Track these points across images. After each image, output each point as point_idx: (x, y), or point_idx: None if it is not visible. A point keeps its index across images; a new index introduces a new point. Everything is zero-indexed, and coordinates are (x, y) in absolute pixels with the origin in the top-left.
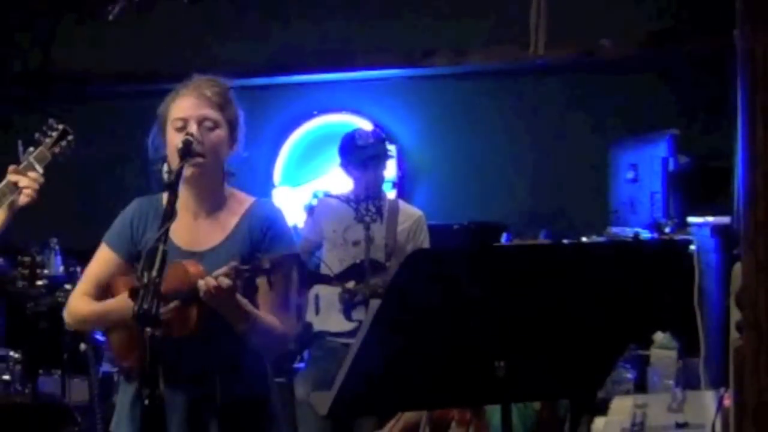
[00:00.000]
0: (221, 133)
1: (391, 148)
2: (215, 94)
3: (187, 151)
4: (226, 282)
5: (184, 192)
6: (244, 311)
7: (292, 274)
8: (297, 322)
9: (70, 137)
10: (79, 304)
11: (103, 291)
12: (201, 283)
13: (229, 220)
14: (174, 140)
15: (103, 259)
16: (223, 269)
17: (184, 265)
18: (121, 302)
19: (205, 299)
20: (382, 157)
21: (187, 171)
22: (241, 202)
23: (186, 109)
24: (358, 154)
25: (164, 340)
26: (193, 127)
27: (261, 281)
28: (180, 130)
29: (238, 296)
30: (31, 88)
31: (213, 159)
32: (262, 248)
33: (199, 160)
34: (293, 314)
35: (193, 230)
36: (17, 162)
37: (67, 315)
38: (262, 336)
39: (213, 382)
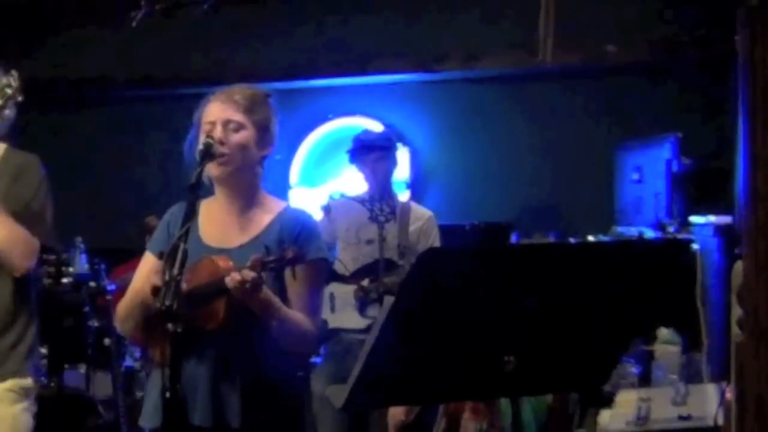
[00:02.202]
0: (246, 134)
1: (391, 138)
2: (244, 98)
3: (206, 154)
4: (250, 274)
5: (218, 191)
6: (271, 305)
7: (320, 277)
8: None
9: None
10: (119, 305)
11: None
12: (228, 279)
13: (261, 220)
14: (200, 141)
15: (145, 264)
16: (248, 263)
17: (214, 260)
18: (145, 291)
19: (233, 293)
20: (383, 148)
21: (215, 171)
22: (275, 204)
23: (213, 112)
24: (359, 144)
25: (194, 332)
26: (218, 129)
27: (288, 278)
28: (208, 132)
29: (266, 290)
30: (53, 93)
31: (239, 159)
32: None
33: (222, 160)
34: (319, 315)
35: (223, 228)
36: None
37: (116, 320)
38: (289, 332)
39: (237, 372)
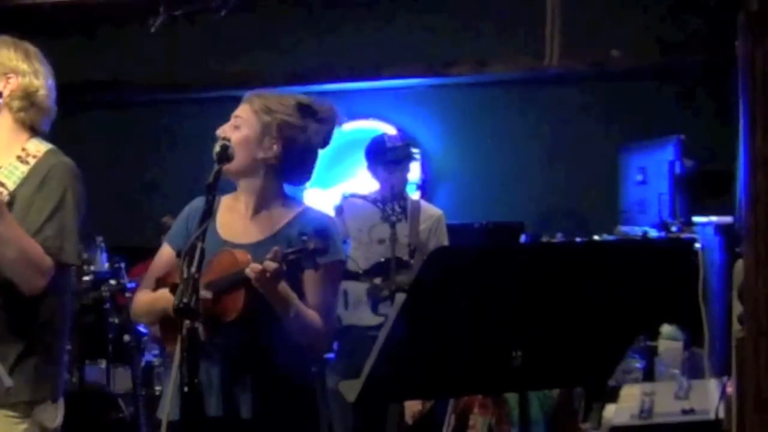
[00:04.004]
0: (245, 132)
1: (416, 151)
2: (261, 99)
3: (223, 155)
4: (272, 266)
5: (239, 188)
6: (288, 298)
7: (336, 278)
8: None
9: None
10: (137, 297)
11: (161, 286)
12: (248, 270)
13: (280, 218)
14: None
15: (162, 255)
16: (269, 255)
17: (233, 253)
18: (165, 294)
19: (255, 283)
20: (409, 159)
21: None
22: (295, 204)
23: (235, 111)
24: (388, 155)
25: (210, 323)
26: (226, 125)
27: (306, 277)
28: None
29: (284, 285)
30: (74, 96)
31: (239, 155)
32: None
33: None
34: (334, 315)
35: (240, 224)
36: None
37: (131, 310)
38: (302, 327)
39: (251, 364)
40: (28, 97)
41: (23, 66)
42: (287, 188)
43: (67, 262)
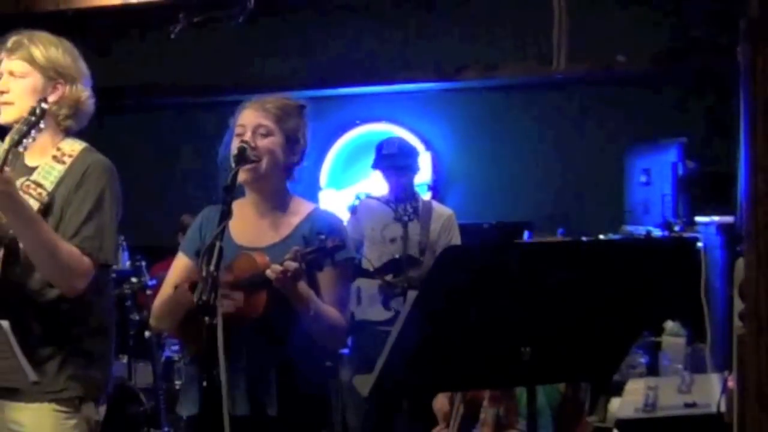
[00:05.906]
0: (275, 140)
1: (420, 157)
2: (276, 107)
3: (241, 158)
4: (293, 265)
5: (249, 193)
6: (308, 296)
7: (348, 274)
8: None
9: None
10: (156, 304)
11: None
12: (269, 271)
13: (291, 221)
14: (233, 145)
15: (178, 264)
16: (288, 255)
17: (252, 256)
18: (184, 289)
19: (276, 284)
20: (403, 167)
21: (243, 175)
22: (304, 206)
23: (246, 117)
24: (382, 161)
25: (235, 324)
26: (248, 134)
27: (322, 275)
28: (239, 136)
29: (304, 284)
30: (101, 99)
31: (267, 162)
32: None
33: (249, 166)
34: (348, 310)
35: (253, 229)
36: None
37: (151, 319)
38: (322, 324)
39: (274, 363)
40: (74, 105)
41: (70, 70)
42: (298, 189)
43: (106, 262)
